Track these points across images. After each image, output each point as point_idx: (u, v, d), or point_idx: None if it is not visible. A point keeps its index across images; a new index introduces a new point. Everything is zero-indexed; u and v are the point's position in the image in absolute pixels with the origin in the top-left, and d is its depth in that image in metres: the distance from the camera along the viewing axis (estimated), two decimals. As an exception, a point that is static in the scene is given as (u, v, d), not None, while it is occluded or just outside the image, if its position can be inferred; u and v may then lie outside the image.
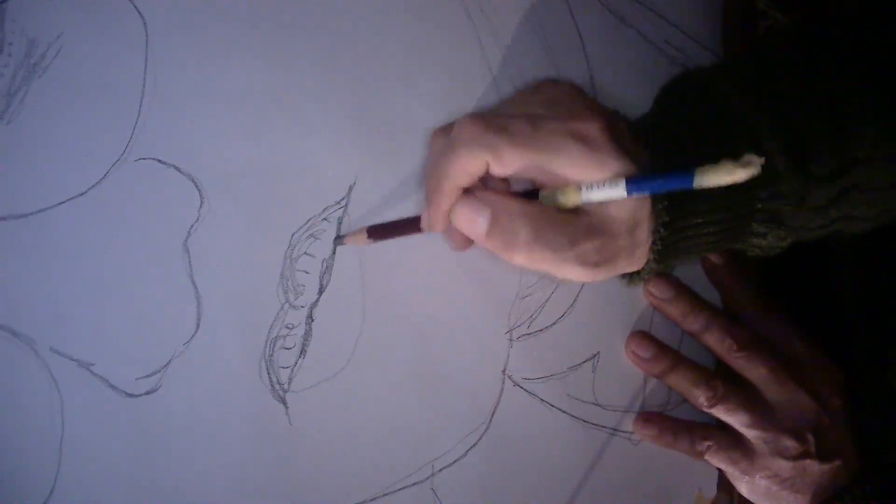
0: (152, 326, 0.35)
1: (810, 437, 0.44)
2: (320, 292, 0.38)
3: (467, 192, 0.37)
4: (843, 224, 0.41)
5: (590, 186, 0.36)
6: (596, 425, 0.46)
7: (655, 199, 0.37)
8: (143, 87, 0.35)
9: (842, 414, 0.46)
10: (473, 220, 0.36)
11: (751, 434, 0.45)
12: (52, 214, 0.33)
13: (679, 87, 0.42)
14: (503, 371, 0.43)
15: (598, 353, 0.46)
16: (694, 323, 0.46)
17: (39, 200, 0.33)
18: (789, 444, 0.44)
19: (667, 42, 0.49)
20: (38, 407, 0.33)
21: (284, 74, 0.38)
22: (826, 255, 0.52)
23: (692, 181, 0.34)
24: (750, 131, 0.38)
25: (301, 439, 0.37)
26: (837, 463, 0.45)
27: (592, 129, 0.36)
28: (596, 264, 0.37)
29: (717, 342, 0.46)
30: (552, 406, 0.44)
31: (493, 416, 0.42)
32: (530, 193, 0.37)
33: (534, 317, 0.44)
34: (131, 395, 0.34)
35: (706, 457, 0.46)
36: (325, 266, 0.38)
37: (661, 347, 0.47)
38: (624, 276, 0.42)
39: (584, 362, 0.46)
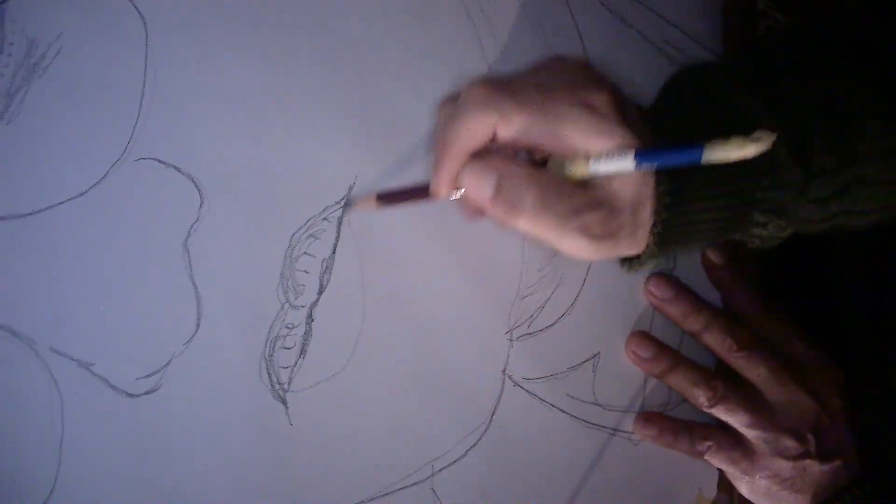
0: (152, 326, 0.35)
1: (810, 437, 0.45)
2: (320, 292, 0.38)
3: (475, 157, 0.37)
4: (844, 218, 0.41)
5: (598, 158, 0.36)
6: (596, 425, 0.46)
7: (659, 180, 0.37)
8: (143, 87, 0.35)
9: (842, 414, 0.46)
10: (480, 184, 0.36)
11: (751, 434, 0.45)
12: (52, 214, 0.33)
13: (681, 81, 0.43)
14: (503, 371, 0.43)
15: (598, 353, 0.46)
16: (694, 323, 0.46)
17: (39, 200, 0.33)
18: (789, 444, 0.44)
19: (667, 42, 0.49)
20: (38, 407, 0.33)
21: (284, 74, 0.38)
22: (826, 256, 0.52)
23: (701, 155, 0.34)
24: (752, 123, 0.38)
25: (301, 439, 0.37)
26: (837, 463, 0.45)
27: (600, 99, 0.36)
28: (598, 237, 0.37)
29: (718, 342, 0.46)
30: (552, 406, 0.44)
31: (493, 416, 0.42)
32: (539, 164, 0.38)
33: (534, 317, 0.44)
34: (131, 395, 0.34)
35: (706, 457, 0.46)
36: (325, 266, 0.38)
37: (661, 347, 0.47)
38: (623, 262, 0.43)
39: (584, 362, 0.46)
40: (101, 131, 0.34)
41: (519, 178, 0.36)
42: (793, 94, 0.39)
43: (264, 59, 0.38)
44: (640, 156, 0.35)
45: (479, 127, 0.36)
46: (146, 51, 0.35)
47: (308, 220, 0.38)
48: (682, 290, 0.47)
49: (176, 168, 0.36)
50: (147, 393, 0.34)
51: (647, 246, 0.39)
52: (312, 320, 0.38)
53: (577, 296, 0.45)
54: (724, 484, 0.49)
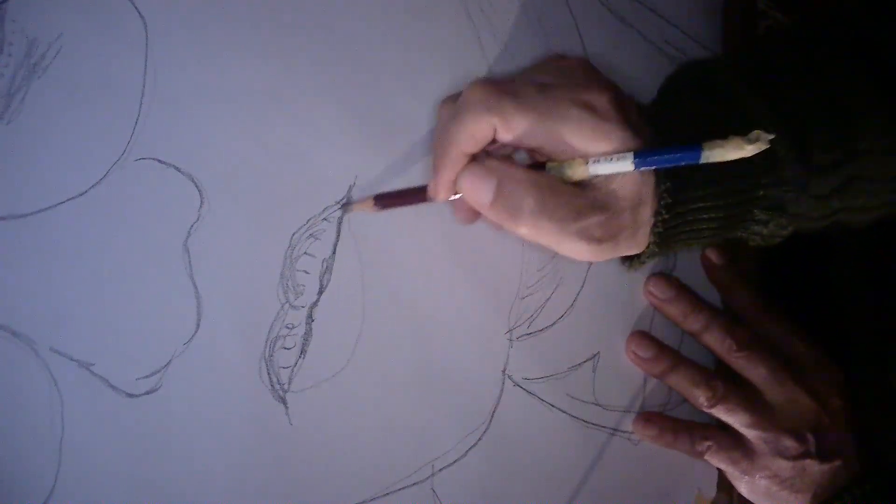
0: (152, 326, 0.35)
1: (810, 437, 0.45)
2: (320, 292, 0.38)
3: (474, 160, 0.37)
4: (844, 215, 0.41)
5: (597, 159, 0.36)
6: (596, 425, 0.46)
7: (659, 180, 0.37)
8: (143, 87, 0.35)
9: (842, 414, 0.46)
10: (479, 188, 0.36)
11: (751, 434, 0.45)
12: (52, 214, 0.33)
13: (682, 77, 0.43)
14: (503, 371, 0.43)
15: (598, 353, 0.46)
16: (694, 323, 0.46)
17: (39, 200, 0.33)
18: (789, 444, 0.44)
19: (667, 42, 0.49)
20: (38, 407, 0.33)
21: (284, 74, 0.38)
22: (826, 256, 0.52)
23: (699, 155, 0.34)
24: (752, 119, 0.38)
25: (301, 439, 0.37)
26: (837, 463, 0.45)
27: (601, 99, 0.36)
28: (599, 240, 0.37)
29: (718, 342, 0.46)
30: (552, 406, 0.44)
31: (493, 416, 0.42)
32: (537, 166, 0.38)
33: (534, 317, 0.44)
34: (131, 395, 0.34)
35: (706, 457, 0.46)
36: (325, 266, 0.38)
37: (661, 347, 0.47)
38: (624, 260, 0.43)
39: (584, 362, 0.46)
40: (101, 131, 0.34)
41: (518, 182, 0.36)
42: (793, 91, 0.39)
43: (264, 59, 0.38)
44: (639, 157, 0.35)
45: (479, 130, 0.36)
46: (146, 51, 0.35)
47: (308, 220, 0.38)
48: (682, 290, 0.47)
49: (176, 168, 0.36)
50: (147, 393, 0.34)
51: (648, 245, 0.39)
52: (312, 320, 0.38)
53: (577, 296, 0.45)
54: (724, 484, 0.49)
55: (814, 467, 0.44)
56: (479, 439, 0.42)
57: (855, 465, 0.45)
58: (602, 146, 0.36)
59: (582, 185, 0.37)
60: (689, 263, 0.49)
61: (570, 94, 0.36)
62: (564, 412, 0.45)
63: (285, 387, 0.37)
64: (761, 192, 0.39)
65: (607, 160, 0.36)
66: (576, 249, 0.37)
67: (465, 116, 0.36)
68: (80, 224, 0.34)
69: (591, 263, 0.46)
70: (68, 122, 0.34)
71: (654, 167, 0.36)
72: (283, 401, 0.37)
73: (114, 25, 0.35)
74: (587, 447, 0.46)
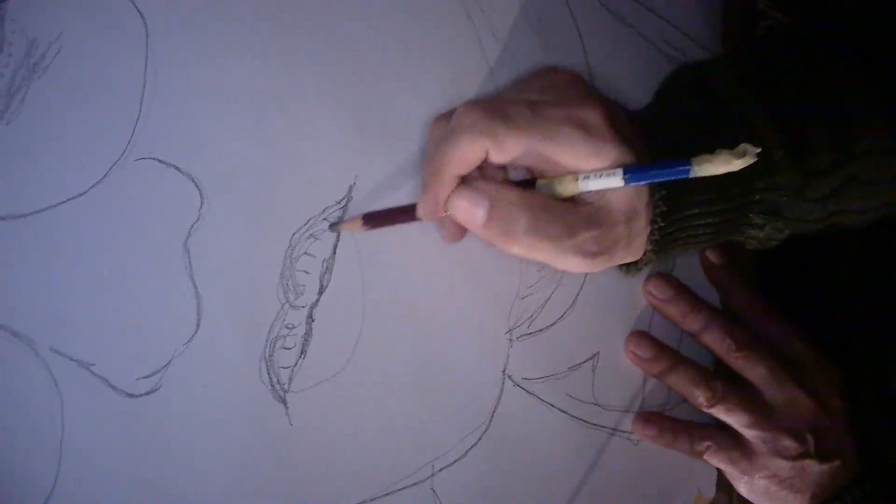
0: (152, 326, 0.35)
1: (809, 438, 0.45)
2: (320, 292, 0.38)
3: (464, 180, 0.37)
4: (841, 217, 0.41)
5: (587, 176, 0.36)
6: (595, 425, 0.46)
7: (653, 188, 0.37)
8: (144, 86, 0.35)
9: (842, 414, 0.46)
10: (471, 211, 0.36)
11: (750, 434, 0.45)
12: (52, 214, 0.33)
13: (679, 79, 0.43)
14: (503, 371, 0.43)
15: (598, 353, 0.46)
16: (693, 323, 0.46)
17: (39, 200, 0.33)
18: (788, 444, 0.44)
19: (667, 42, 0.49)
20: (38, 407, 0.33)
21: (284, 74, 0.38)
22: (826, 255, 0.52)
23: (689, 171, 0.35)
24: (748, 123, 0.38)
25: (301, 439, 0.37)
26: (837, 463, 0.45)
27: (592, 116, 0.36)
28: (594, 254, 0.37)
29: (717, 342, 0.46)
30: (552, 406, 0.44)
31: (493, 416, 0.42)
32: (527, 183, 0.37)
33: (534, 317, 0.44)
34: (131, 396, 0.34)
35: (705, 457, 0.46)
36: (325, 266, 0.38)
37: (660, 347, 0.47)
38: (621, 266, 0.43)
39: (583, 362, 0.46)
40: (101, 131, 0.34)
41: (509, 203, 0.36)
42: (790, 93, 0.39)
43: (264, 59, 0.38)
44: (629, 173, 0.35)
45: (471, 153, 0.35)
46: (146, 51, 0.35)
47: (308, 220, 0.38)
48: (682, 290, 0.47)
49: (176, 168, 0.36)
50: (147, 393, 0.34)
51: (645, 253, 0.39)
52: (313, 320, 0.38)
53: (577, 296, 0.45)
54: (723, 484, 0.49)
55: (813, 467, 0.44)
56: (479, 439, 0.42)
57: (854, 465, 0.45)
58: (594, 163, 0.36)
59: (574, 201, 0.37)
60: (688, 264, 0.49)
61: (562, 111, 0.36)
62: (564, 412, 0.45)
63: (285, 387, 0.37)
64: (757, 197, 0.39)
65: (597, 176, 0.36)
66: (572, 264, 0.37)
67: (457, 139, 0.35)
68: (80, 224, 0.34)
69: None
70: (68, 122, 0.34)
71: (643, 181, 0.36)
72: (283, 401, 0.37)
73: (114, 25, 0.35)
74: (587, 447, 0.46)
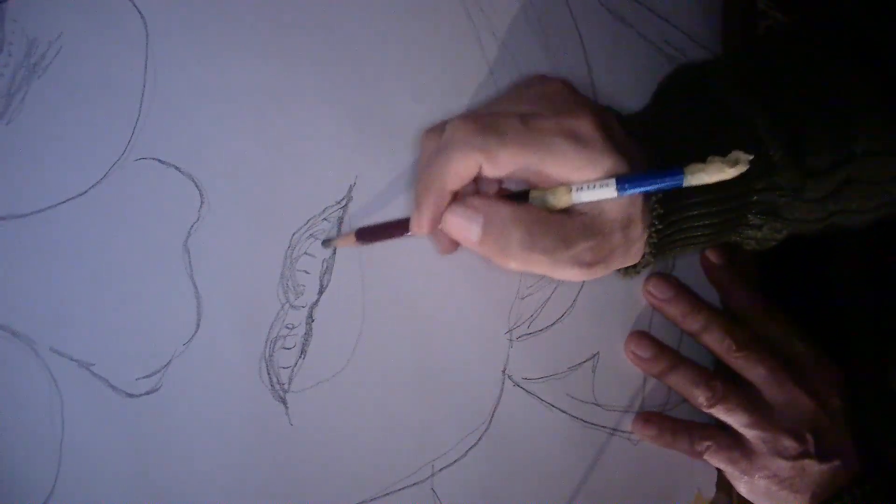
0: (152, 326, 0.35)
1: (809, 438, 0.45)
2: (320, 292, 0.38)
3: (457, 195, 0.37)
4: (840, 217, 0.41)
5: (580, 187, 0.36)
6: (595, 425, 0.46)
7: (648, 193, 0.37)
8: (144, 86, 0.35)
9: (841, 414, 0.46)
10: (466, 228, 0.36)
11: (750, 434, 0.45)
12: (52, 214, 0.33)
13: (677, 80, 0.43)
14: (503, 371, 0.43)
15: (598, 353, 0.46)
16: (693, 323, 0.46)
17: (39, 200, 0.33)
18: (788, 444, 0.44)
19: (667, 42, 0.49)
20: (38, 407, 0.33)
21: (284, 74, 0.38)
22: (826, 256, 0.52)
23: (682, 180, 0.34)
24: (746, 124, 0.38)
25: (301, 439, 0.37)
26: (836, 463, 0.45)
27: (584, 126, 0.36)
28: (591, 264, 0.37)
29: (717, 342, 0.46)
30: (552, 406, 0.44)
31: (493, 416, 0.42)
32: (520, 195, 0.37)
33: (534, 317, 0.44)
34: (131, 396, 0.34)
35: (705, 457, 0.46)
36: (325, 266, 0.38)
37: (660, 347, 0.47)
38: (620, 268, 0.43)
39: (583, 362, 0.46)
40: (101, 131, 0.34)
41: (504, 218, 0.36)
42: (790, 93, 0.39)
43: (264, 59, 0.38)
44: (622, 183, 0.35)
45: (464, 168, 0.35)
46: (146, 51, 0.35)
47: (308, 220, 0.38)
48: (682, 290, 0.47)
49: (176, 168, 0.36)
50: (147, 393, 0.34)
51: (644, 256, 0.39)
52: (313, 320, 0.38)
53: (577, 296, 0.45)
54: (723, 484, 0.49)
55: (813, 467, 0.44)
56: (479, 439, 0.42)
57: (854, 466, 0.45)
58: (588, 174, 0.36)
59: (569, 212, 0.37)
60: (688, 264, 0.49)
61: (554, 122, 0.36)
62: (564, 412, 0.45)
63: (285, 387, 0.37)
64: (755, 198, 0.39)
65: (590, 187, 0.35)
66: (570, 275, 0.37)
67: (449, 155, 0.35)
68: (80, 224, 0.34)
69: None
70: (68, 122, 0.34)
71: (637, 191, 0.36)
72: (283, 401, 0.37)
73: (114, 25, 0.35)
74: (587, 447, 0.46)
